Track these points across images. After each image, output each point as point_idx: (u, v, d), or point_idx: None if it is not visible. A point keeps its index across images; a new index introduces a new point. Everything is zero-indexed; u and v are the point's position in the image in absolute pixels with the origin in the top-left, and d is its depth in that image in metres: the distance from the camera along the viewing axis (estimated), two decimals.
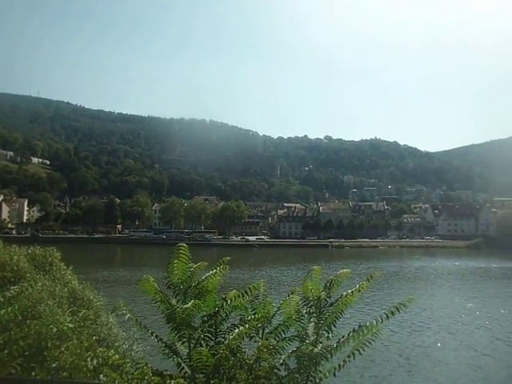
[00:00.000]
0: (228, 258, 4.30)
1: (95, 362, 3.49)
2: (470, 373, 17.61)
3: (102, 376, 3.44)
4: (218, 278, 4.18)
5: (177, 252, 4.26)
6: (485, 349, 21.11)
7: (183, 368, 3.86)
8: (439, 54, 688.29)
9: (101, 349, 3.79)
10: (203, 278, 4.18)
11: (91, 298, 6.21)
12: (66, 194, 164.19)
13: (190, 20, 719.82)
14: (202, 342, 3.96)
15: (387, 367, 18.26)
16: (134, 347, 6.70)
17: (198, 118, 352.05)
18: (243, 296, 4.08)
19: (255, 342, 3.86)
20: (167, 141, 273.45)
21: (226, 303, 4.07)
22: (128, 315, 4.43)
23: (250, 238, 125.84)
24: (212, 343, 3.98)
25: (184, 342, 4.02)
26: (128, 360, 5.45)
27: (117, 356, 3.87)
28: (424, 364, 18.87)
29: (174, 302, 4.16)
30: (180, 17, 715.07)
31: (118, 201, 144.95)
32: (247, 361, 3.54)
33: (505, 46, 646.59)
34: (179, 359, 3.87)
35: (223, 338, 3.95)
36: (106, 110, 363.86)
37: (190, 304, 3.86)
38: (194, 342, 3.99)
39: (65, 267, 6.70)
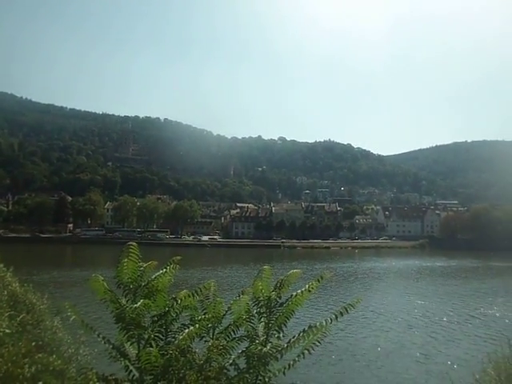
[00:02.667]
0: (178, 257, 4.23)
1: (33, 368, 3.27)
2: (421, 366, 18.46)
3: (41, 383, 3.23)
4: (169, 277, 4.10)
5: (126, 251, 4.14)
6: (437, 344, 22.27)
7: (131, 371, 3.74)
8: (390, 62, 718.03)
9: (41, 355, 3.57)
10: (153, 277, 4.09)
11: (34, 301, 5.85)
12: (8, 191, 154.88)
13: (153, 21, 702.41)
14: (152, 342, 3.86)
15: (341, 363, 18.75)
16: (81, 351, 6.38)
17: (152, 116, 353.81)
18: (193, 296, 4.03)
19: (206, 342, 3.82)
20: (121, 138, 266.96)
21: (177, 303, 4.00)
22: (73, 317, 4.23)
23: (203, 237, 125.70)
24: (162, 343, 3.89)
25: (133, 343, 3.90)
26: (74, 365, 5.20)
27: (59, 361, 3.67)
28: (378, 359, 19.53)
29: (123, 301, 4.03)
30: (140, 17, 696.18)
31: (70, 199, 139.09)
32: (197, 361, 3.49)
33: (450, 59, 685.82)
34: (127, 361, 3.74)
35: (173, 338, 3.88)
36: (57, 104, 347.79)
37: (139, 303, 3.76)
38: (143, 342, 3.88)
39: (4, 269, 6.28)
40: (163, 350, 3.68)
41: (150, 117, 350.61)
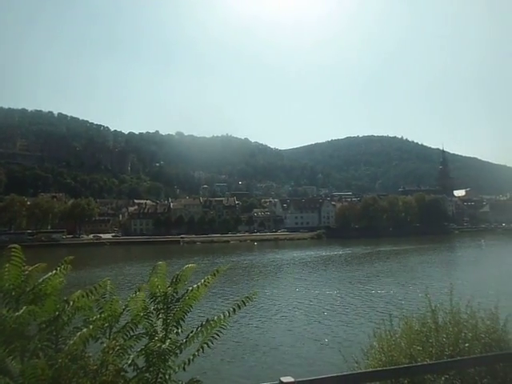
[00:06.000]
0: (71, 257, 3.88)
1: None
2: (321, 349, 19.69)
3: None
4: (60, 279, 3.71)
5: (8, 255, 3.66)
6: (333, 327, 23.92)
7: None
8: (294, 60, 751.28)
9: None
10: (40, 280, 3.67)
11: None
12: None
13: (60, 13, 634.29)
14: (40, 352, 3.45)
15: (247, 356, 19.13)
16: None
17: (44, 110, 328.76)
18: (88, 296, 3.72)
19: (102, 343, 3.56)
20: (5, 133, 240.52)
21: (69, 305, 3.64)
22: None
23: (103, 235, 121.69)
24: (51, 352, 3.50)
25: (16, 357, 3.44)
26: None
27: None
28: (282, 347, 20.33)
29: (4, 311, 3.54)
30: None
31: None
32: (91, 366, 3.22)
33: (352, 61, 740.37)
34: (8, 379, 3.28)
35: (64, 344, 3.52)
36: None
37: (22, 311, 3.33)
38: (28, 354, 3.45)
39: None
40: (52, 359, 3.32)
41: (40, 110, 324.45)
